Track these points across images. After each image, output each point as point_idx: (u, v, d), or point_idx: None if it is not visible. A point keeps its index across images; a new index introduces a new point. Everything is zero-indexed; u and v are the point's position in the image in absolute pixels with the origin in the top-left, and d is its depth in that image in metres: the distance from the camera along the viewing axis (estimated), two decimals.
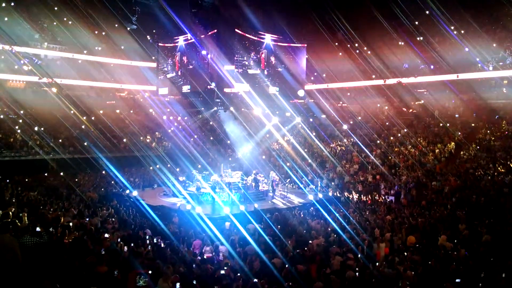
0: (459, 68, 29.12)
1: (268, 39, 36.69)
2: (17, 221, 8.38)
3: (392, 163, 26.57)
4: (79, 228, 11.72)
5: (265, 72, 36.91)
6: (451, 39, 29.20)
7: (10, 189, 20.55)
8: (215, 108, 36.77)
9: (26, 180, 24.73)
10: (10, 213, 11.01)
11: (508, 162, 22.10)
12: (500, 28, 28.91)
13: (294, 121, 34.50)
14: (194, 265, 9.70)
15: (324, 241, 12.66)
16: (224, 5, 33.32)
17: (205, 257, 11.31)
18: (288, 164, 28.99)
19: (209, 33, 35.13)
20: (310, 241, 12.56)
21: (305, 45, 37.56)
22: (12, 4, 31.84)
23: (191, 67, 37.81)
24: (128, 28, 36.71)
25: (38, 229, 8.64)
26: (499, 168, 21.83)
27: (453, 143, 26.64)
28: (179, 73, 38.83)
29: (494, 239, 11.97)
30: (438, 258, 10.38)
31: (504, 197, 17.77)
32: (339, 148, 31.72)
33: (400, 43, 33.02)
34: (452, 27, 28.70)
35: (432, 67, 30.88)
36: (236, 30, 34.95)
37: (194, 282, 8.47)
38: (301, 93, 37.49)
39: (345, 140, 31.88)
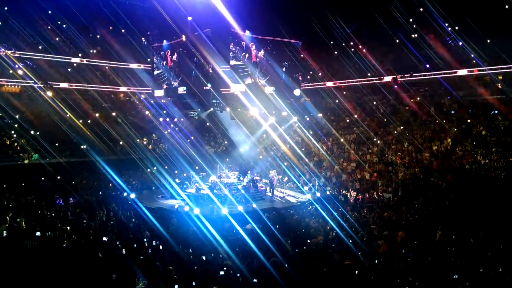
0: (453, 64, 29.18)
1: (263, 37, 36.57)
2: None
3: (389, 161, 26.64)
4: (77, 232, 11.70)
5: (261, 72, 36.82)
6: (445, 36, 29.29)
7: (7, 194, 20.48)
8: (212, 109, 36.73)
9: (23, 184, 24.62)
10: (8, 218, 11.04)
11: (503, 159, 22.20)
12: (494, 23, 29.00)
13: (291, 121, 34.48)
14: (193, 267, 9.69)
15: (323, 239, 12.67)
16: (218, 3, 33.16)
17: (203, 258, 11.31)
18: (285, 163, 29.00)
19: (204, 31, 34.97)
20: (309, 240, 12.57)
21: (300, 42, 37.44)
22: (6, 8, 31.70)
23: (186, 67, 37.65)
24: (123, 30, 36.62)
25: (38, 233, 8.66)
26: (495, 164, 21.92)
27: (449, 139, 26.73)
28: (174, 73, 38.67)
29: (491, 234, 12.02)
30: (436, 254, 10.42)
31: (501, 191, 17.85)
32: (336, 147, 31.76)
33: (396, 40, 33.11)
34: (446, 24, 28.80)
35: (427, 65, 30.87)
36: (231, 29, 34.83)
37: (194, 283, 8.47)
38: (297, 92, 37.43)
39: (342, 140, 31.92)
